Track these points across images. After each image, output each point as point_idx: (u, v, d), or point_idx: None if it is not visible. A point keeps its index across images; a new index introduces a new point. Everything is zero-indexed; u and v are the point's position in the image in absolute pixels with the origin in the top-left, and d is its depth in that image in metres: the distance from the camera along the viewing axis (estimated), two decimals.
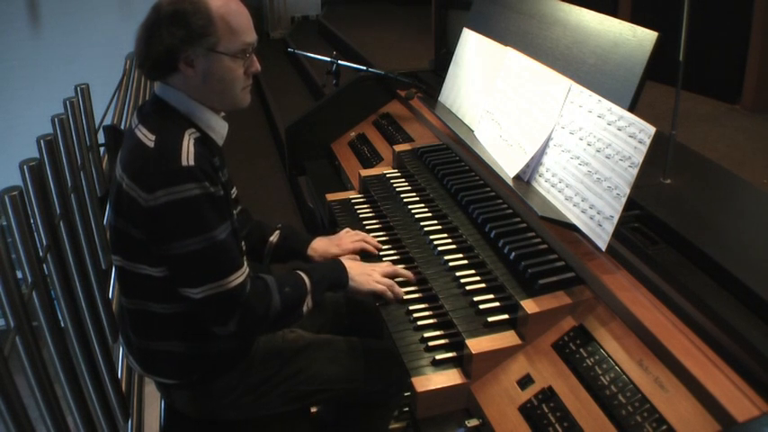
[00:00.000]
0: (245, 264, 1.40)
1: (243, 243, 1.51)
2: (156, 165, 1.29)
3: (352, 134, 2.72)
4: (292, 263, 1.80)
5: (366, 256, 1.77)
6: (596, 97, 1.50)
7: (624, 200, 1.36)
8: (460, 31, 2.23)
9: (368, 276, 1.58)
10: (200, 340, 1.44)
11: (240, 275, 1.35)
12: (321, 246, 1.77)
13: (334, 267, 1.58)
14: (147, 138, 1.32)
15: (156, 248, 1.32)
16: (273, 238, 1.76)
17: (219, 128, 1.44)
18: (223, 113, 1.46)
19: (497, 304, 1.49)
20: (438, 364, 1.42)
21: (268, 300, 1.40)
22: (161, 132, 1.33)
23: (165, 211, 1.28)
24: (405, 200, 1.99)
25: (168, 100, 1.38)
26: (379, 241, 1.83)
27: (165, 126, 1.34)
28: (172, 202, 1.27)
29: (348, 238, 1.79)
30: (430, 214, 1.89)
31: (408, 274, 1.65)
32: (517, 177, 1.70)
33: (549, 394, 1.27)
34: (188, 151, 1.30)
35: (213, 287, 1.32)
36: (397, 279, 1.63)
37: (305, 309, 1.47)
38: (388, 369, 1.63)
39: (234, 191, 1.60)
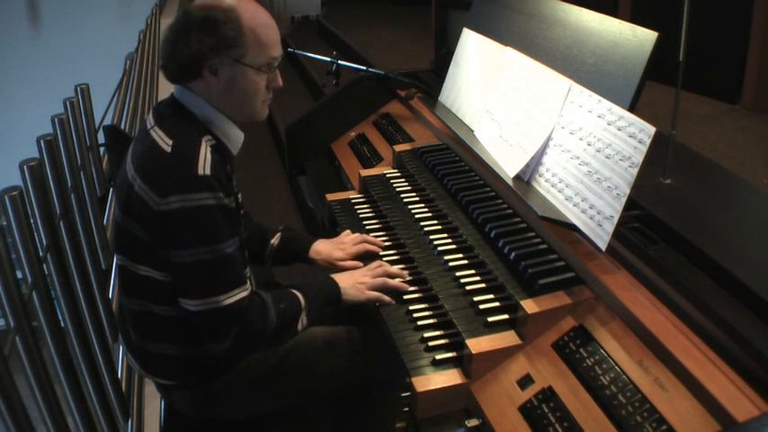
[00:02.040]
0: (248, 281, 1.39)
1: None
2: (172, 170, 1.28)
3: (352, 134, 2.72)
4: (294, 266, 1.80)
5: (369, 257, 1.77)
6: (596, 97, 1.50)
7: (624, 200, 1.36)
8: (460, 31, 2.23)
9: (361, 285, 1.58)
10: (197, 343, 1.43)
11: (240, 292, 1.34)
12: (325, 249, 1.76)
13: (325, 284, 1.58)
14: (164, 141, 1.32)
15: (162, 253, 1.32)
16: (274, 240, 1.76)
17: (235, 137, 1.44)
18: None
19: (497, 304, 1.49)
20: (438, 364, 1.42)
21: (265, 316, 1.40)
22: (178, 137, 1.32)
23: (177, 217, 1.27)
24: (405, 200, 1.99)
25: (187, 104, 1.38)
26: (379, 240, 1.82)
27: (182, 130, 1.34)
28: (185, 209, 1.27)
29: (350, 241, 1.79)
30: (430, 214, 1.89)
31: (399, 282, 1.63)
32: (517, 177, 1.70)
33: (549, 394, 1.27)
34: (205, 159, 1.30)
35: (211, 302, 1.31)
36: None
37: (299, 326, 1.47)
38: (386, 357, 1.62)
39: (239, 196, 1.60)
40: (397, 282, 1.62)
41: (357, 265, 1.71)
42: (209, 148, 1.32)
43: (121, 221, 1.37)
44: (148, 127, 1.38)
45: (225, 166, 1.36)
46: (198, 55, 1.31)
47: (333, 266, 1.73)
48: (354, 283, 1.59)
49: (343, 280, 1.59)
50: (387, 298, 1.58)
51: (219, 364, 1.47)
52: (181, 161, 1.29)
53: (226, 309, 1.32)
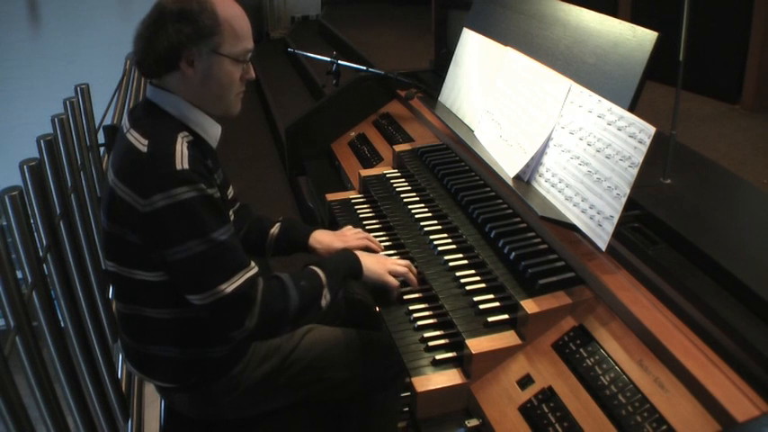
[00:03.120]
0: (251, 262, 1.39)
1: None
2: (151, 169, 1.28)
3: (352, 134, 2.72)
4: (295, 256, 1.80)
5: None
6: (596, 97, 1.50)
7: (624, 200, 1.36)
8: (460, 31, 2.23)
9: (382, 265, 1.59)
10: (196, 346, 1.43)
11: (243, 275, 1.33)
12: (326, 239, 1.76)
13: (346, 258, 1.58)
14: (140, 142, 1.32)
15: (156, 254, 1.31)
16: (274, 230, 1.76)
17: (213, 130, 1.44)
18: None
19: (497, 304, 1.49)
20: (438, 364, 1.42)
21: (285, 296, 1.39)
22: (153, 136, 1.32)
23: (164, 215, 1.27)
24: (405, 200, 1.99)
25: (161, 104, 1.38)
26: (379, 241, 1.82)
27: (157, 130, 1.34)
28: (169, 206, 1.26)
29: (352, 235, 1.79)
30: (430, 214, 1.89)
31: (413, 279, 1.65)
32: (517, 177, 1.70)
33: (549, 394, 1.27)
34: (182, 154, 1.30)
35: (215, 293, 1.30)
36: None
37: (323, 302, 1.46)
38: (386, 357, 1.62)
39: (230, 191, 1.60)
40: (413, 276, 1.63)
41: None
42: (185, 144, 1.32)
43: (109, 228, 1.37)
44: (124, 130, 1.38)
45: (204, 161, 1.36)
46: (176, 45, 1.32)
47: None
48: (376, 260, 1.60)
49: (363, 255, 1.60)
50: (396, 293, 1.59)
51: (218, 365, 1.47)
52: (158, 159, 1.29)
53: (232, 295, 1.31)
